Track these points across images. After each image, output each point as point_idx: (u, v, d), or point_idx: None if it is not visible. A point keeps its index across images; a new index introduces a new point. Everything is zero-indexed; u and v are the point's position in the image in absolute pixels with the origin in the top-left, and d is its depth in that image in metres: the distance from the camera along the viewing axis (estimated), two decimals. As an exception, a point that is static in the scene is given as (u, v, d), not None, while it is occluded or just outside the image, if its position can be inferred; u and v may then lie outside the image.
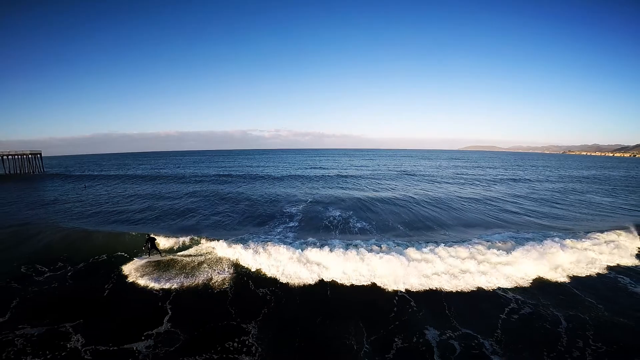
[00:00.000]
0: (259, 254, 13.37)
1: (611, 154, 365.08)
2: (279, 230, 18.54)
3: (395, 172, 56.97)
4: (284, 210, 24.12)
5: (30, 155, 66.63)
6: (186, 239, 15.75)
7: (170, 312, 10.19)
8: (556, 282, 11.94)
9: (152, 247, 14.39)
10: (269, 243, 14.33)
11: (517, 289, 11.35)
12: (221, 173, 57.35)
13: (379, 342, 8.69)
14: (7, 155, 63.30)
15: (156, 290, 11.69)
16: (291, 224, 19.93)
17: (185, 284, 12.03)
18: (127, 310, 10.58)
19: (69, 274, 13.37)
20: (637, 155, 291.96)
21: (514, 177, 49.87)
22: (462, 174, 54.24)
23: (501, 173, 58.28)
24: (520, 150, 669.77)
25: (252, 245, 14.13)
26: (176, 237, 15.92)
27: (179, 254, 14.74)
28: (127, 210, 25.01)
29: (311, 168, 69.78)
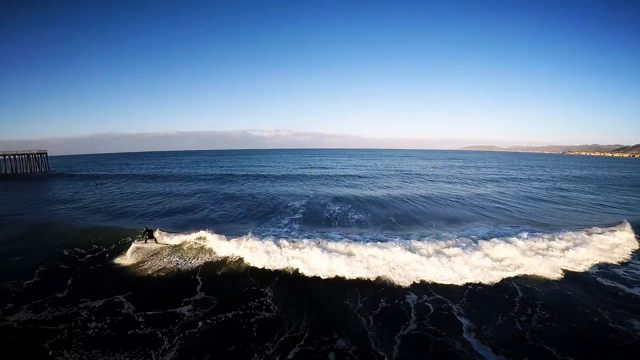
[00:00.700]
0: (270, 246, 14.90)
1: (610, 154, 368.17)
2: (285, 222, 21.02)
3: (392, 172, 59.40)
4: (288, 205, 26.58)
5: (37, 155, 68.83)
6: (200, 232, 16.78)
7: (201, 283, 12.59)
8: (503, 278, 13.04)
9: (150, 237, 16.26)
10: (280, 238, 16.03)
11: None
12: (224, 172, 59.65)
13: (369, 302, 11.09)
14: (15, 155, 65.37)
15: (185, 268, 14.08)
16: (296, 216, 22.52)
17: (208, 263, 14.42)
18: (164, 283, 12.94)
19: (106, 255, 15.75)
20: (636, 156, 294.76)
21: (505, 177, 52.29)
22: (455, 174, 56.66)
23: (494, 172, 60.78)
24: (519, 151, 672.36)
25: (263, 239, 15.65)
26: (188, 231, 17.30)
27: (189, 241, 16.45)
28: (140, 207, 27.42)
29: (313, 168, 72.25)
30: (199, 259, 14.88)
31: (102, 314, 10.90)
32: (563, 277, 12.92)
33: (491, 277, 12.63)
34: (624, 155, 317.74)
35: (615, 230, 17.68)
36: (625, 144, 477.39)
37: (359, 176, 51.40)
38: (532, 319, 10.13)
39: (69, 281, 13.27)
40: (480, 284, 12.30)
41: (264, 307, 10.94)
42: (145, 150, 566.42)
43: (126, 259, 15.08)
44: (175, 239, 16.60)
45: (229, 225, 20.73)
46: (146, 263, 14.76)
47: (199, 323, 10.13)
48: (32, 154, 67.85)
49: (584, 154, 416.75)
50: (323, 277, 12.79)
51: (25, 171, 66.42)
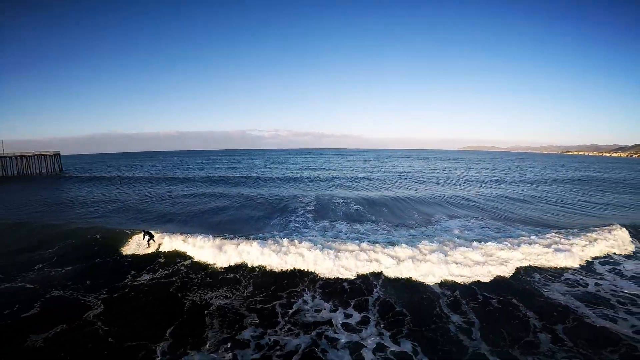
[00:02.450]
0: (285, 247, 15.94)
1: (609, 154, 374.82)
2: (301, 219, 23.89)
3: (389, 173, 62.51)
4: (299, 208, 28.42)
5: (53, 155, 71.61)
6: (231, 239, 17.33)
7: (244, 282, 14.16)
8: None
9: (150, 238, 17.01)
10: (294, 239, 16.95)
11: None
12: (231, 174, 61.86)
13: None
14: (32, 156, 68.04)
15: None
16: (309, 215, 25.24)
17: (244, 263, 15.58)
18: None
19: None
20: (634, 156, 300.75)
21: (492, 178, 54.08)
22: (447, 175, 58.92)
23: (483, 174, 63.06)
24: (518, 150, 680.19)
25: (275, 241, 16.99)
26: (223, 236, 18.03)
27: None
28: (166, 210, 28.16)
29: (320, 169, 75.60)
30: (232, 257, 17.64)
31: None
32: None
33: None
34: (622, 155, 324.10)
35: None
36: (624, 144, 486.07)
37: (367, 178, 54.64)
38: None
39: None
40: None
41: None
42: (144, 150, 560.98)
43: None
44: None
45: (250, 225, 22.37)
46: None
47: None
48: (48, 154, 70.64)
49: (582, 153, 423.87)
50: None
51: (42, 171, 69.05)
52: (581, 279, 14.36)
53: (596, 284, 13.83)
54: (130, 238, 18.48)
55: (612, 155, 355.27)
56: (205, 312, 11.61)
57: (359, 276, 14.16)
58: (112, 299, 12.59)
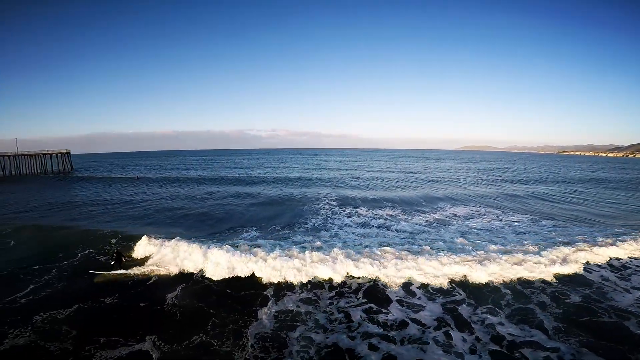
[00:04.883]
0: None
1: (605, 154, 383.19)
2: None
3: (384, 173, 65.84)
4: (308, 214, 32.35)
5: (65, 154, 73.46)
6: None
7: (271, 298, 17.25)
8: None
9: (118, 260, 14.64)
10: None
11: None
12: (236, 175, 64.47)
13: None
14: (45, 154, 69.84)
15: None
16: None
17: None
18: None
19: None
20: (630, 156, 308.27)
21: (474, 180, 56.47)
22: (438, 176, 60.88)
23: (463, 175, 64.28)
24: (515, 151, 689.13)
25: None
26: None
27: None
28: (180, 213, 27.20)
29: (325, 169, 78.63)
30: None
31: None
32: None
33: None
34: (618, 155, 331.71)
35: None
36: (620, 144, 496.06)
37: (378, 178, 57.70)
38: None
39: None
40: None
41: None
42: (143, 150, 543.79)
43: None
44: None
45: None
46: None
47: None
48: (61, 152, 72.51)
49: (578, 153, 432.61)
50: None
51: (55, 169, 70.76)
52: None
53: None
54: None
55: (609, 155, 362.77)
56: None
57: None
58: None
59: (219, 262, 14.67)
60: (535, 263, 14.83)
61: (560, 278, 13.99)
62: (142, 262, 15.83)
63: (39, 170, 67.85)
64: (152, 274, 14.46)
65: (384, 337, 9.89)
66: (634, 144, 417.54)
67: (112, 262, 14.68)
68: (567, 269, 14.65)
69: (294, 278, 13.75)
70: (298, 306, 11.77)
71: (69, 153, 76.93)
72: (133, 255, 16.53)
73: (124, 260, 15.01)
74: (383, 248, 16.49)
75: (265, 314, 11.28)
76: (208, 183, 47.65)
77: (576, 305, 11.83)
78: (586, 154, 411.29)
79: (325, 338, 9.93)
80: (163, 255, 15.86)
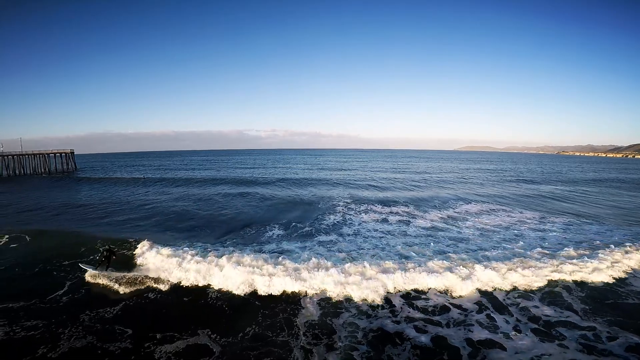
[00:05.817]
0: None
1: (604, 155, 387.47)
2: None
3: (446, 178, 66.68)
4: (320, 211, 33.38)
5: (69, 154, 73.89)
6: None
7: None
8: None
9: (108, 259, 14.20)
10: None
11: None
12: (241, 175, 65.31)
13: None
14: (49, 154, 70.21)
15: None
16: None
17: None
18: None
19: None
20: (629, 156, 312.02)
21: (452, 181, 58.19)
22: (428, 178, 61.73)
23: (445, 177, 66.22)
24: (514, 151, 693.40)
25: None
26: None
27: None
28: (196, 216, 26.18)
29: (329, 170, 79.40)
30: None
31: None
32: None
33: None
34: (618, 156, 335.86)
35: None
36: (619, 144, 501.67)
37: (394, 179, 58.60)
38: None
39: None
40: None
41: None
42: (142, 150, 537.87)
43: None
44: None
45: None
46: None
47: None
48: (66, 152, 72.93)
49: (578, 154, 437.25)
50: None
51: (57, 169, 71.11)
52: None
53: None
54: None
55: (608, 155, 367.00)
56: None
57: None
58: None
59: (242, 281, 12.83)
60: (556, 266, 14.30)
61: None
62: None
63: (43, 170, 68.17)
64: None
65: (427, 321, 10.70)
66: (633, 145, 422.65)
67: (103, 259, 14.10)
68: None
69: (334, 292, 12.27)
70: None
71: (73, 153, 77.40)
72: (146, 263, 15.24)
73: (114, 258, 14.30)
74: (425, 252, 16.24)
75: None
76: (216, 183, 47.54)
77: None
78: (586, 154, 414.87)
79: (369, 323, 10.58)
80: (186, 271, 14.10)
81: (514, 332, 9.98)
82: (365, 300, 11.82)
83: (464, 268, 13.63)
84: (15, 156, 64.13)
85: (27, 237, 19.63)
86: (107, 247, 15.17)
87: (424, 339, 9.79)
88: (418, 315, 11.03)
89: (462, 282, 12.65)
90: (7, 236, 19.59)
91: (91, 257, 16.13)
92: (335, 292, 12.21)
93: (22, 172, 65.13)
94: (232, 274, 13.28)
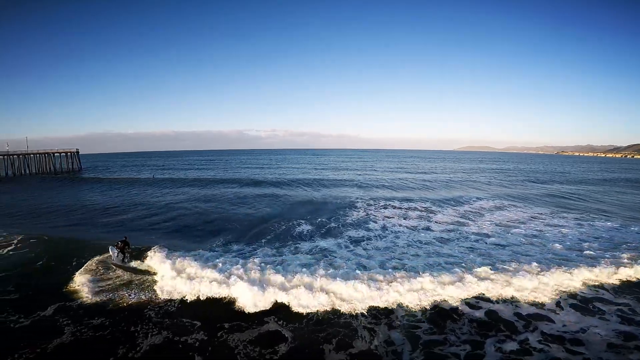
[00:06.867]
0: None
1: (604, 155, 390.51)
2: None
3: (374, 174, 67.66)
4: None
5: (74, 153, 74.23)
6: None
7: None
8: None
9: (122, 250, 14.47)
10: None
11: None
12: (242, 176, 65.54)
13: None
14: (54, 153, 70.41)
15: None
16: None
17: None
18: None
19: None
20: (628, 156, 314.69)
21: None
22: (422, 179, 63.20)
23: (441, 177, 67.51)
24: (514, 151, 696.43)
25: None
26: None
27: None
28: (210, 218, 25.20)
29: (331, 170, 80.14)
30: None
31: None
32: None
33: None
34: (617, 156, 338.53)
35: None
36: (619, 144, 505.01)
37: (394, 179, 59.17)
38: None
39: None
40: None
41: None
42: (143, 150, 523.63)
43: None
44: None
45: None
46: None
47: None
48: (71, 151, 73.28)
49: (577, 154, 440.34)
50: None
51: (62, 169, 71.15)
52: None
53: None
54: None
55: (607, 155, 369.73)
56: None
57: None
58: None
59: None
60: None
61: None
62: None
63: (48, 169, 68.24)
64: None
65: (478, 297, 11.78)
66: (633, 145, 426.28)
67: (118, 251, 14.43)
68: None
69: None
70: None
71: (78, 152, 77.57)
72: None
73: (128, 249, 14.64)
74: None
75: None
76: (227, 184, 46.64)
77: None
78: (586, 154, 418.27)
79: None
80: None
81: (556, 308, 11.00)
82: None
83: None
84: (20, 155, 64.39)
85: (45, 237, 19.22)
86: (124, 237, 15.45)
87: (477, 314, 10.78)
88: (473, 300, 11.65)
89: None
90: (21, 236, 19.08)
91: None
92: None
93: (28, 171, 65.33)
94: (304, 298, 11.63)
